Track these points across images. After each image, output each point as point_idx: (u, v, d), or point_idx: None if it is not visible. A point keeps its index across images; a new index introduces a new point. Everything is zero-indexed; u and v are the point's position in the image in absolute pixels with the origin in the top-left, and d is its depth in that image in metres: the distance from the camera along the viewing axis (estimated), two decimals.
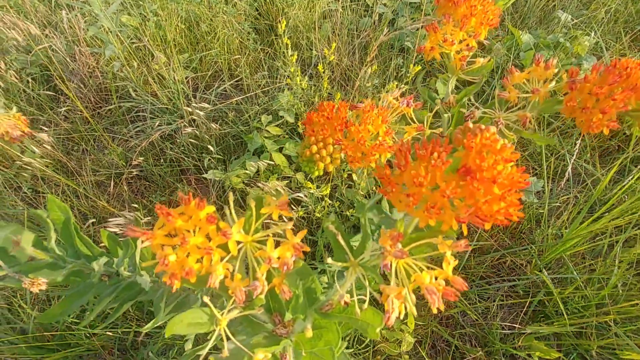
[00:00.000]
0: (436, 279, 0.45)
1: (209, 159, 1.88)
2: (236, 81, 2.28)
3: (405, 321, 1.44)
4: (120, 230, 1.34)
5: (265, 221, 0.51)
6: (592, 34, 2.25)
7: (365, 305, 0.47)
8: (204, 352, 0.48)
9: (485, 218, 0.40)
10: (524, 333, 1.51)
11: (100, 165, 1.95)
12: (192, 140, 1.88)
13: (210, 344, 0.47)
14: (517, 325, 1.50)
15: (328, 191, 1.51)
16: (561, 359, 1.46)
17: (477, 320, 1.57)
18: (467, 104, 0.58)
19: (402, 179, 0.41)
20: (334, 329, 0.53)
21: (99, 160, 1.97)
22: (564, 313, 1.44)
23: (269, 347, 0.49)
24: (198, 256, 0.41)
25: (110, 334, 1.48)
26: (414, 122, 0.54)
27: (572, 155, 1.82)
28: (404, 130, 0.54)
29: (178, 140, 1.96)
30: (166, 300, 0.89)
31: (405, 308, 0.45)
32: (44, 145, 1.68)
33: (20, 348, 1.46)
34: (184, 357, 0.69)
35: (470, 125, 0.43)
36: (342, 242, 0.49)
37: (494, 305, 1.60)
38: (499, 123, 0.55)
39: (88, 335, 1.46)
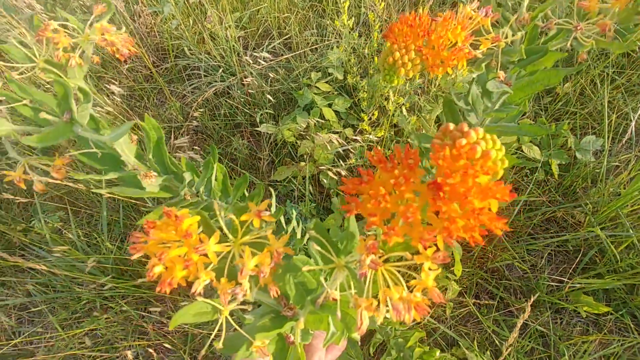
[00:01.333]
0: (412, 290, 0.43)
1: (262, 114, 1.95)
2: (285, 39, 2.31)
3: (452, 269, 1.49)
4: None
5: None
6: None
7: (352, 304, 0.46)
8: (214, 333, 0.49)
9: (452, 237, 0.37)
10: (572, 289, 1.52)
11: (161, 119, 2.08)
12: (248, 95, 1.96)
13: (216, 329, 0.48)
14: (565, 279, 1.51)
15: (383, 133, 1.54)
16: (610, 314, 1.46)
17: (524, 274, 1.59)
18: (543, 19, 0.58)
19: (368, 192, 0.39)
20: (325, 321, 0.54)
21: (159, 115, 2.10)
22: (617, 262, 1.42)
23: (272, 330, 0.51)
24: (183, 265, 0.43)
25: None
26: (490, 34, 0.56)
27: (636, 113, 1.73)
28: (480, 41, 0.56)
29: (232, 96, 2.04)
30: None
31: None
32: (115, 97, 1.81)
33: (99, 277, 1.65)
34: None
35: (451, 127, 0.40)
36: (319, 251, 0.48)
37: (542, 261, 1.60)
38: (578, 27, 0.55)
39: None
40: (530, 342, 1.44)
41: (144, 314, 1.62)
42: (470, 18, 0.55)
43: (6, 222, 1.86)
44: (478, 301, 1.57)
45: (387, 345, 1.22)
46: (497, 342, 1.44)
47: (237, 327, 0.50)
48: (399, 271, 0.45)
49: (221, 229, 0.48)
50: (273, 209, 1.14)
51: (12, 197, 1.42)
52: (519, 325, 1.21)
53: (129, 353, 1.24)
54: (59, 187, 1.82)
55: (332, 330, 0.52)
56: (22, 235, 1.82)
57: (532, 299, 1.08)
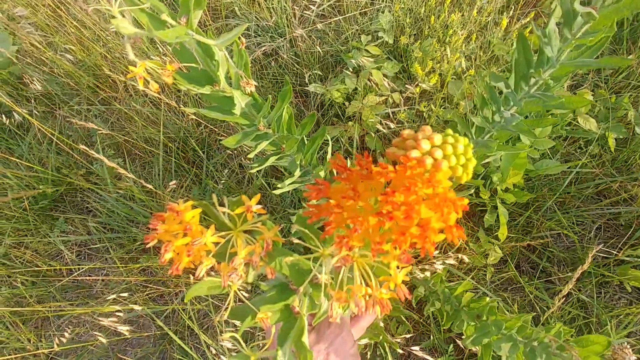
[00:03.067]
0: (381, 285, 0.46)
1: (310, 74, 1.97)
2: (336, 1, 2.29)
3: (495, 234, 1.49)
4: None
5: None
6: None
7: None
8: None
9: (401, 248, 0.38)
10: (619, 263, 1.49)
11: None
12: (297, 55, 1.97)
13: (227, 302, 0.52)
14: (614, 252, 1.48)
15: (436, 79, 1.54)
16: None
17: (571, 244, 1.57)
18: None
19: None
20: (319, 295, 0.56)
21: None
22: None
23: (279, 302, 0.54)
24: (187, 253, 0.47)
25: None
26: None
27: None
28: None
29: (280, 56, 2.07)
30: (300, 164, 1.02)
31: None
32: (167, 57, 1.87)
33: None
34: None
35: (405, 134, 0.41)
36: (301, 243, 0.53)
37: (589, 233, 1.58)
38: None
39: None
40: (572, 310, 1.44)
41: None
42: None
43: (69, 167, 1.99)
44: (523, 251, 1.57)
45: (430, 298, 1.25)
46: (537, 308, 1.45)
47: (244, 300, 0.55)
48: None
49: (228, 217, 0.53)
50: (329, 156, 1.17)
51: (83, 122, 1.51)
52: (565, 291, 1.21)
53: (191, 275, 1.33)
54: (118, 133, 1.93)
55: (324, 308, 0.56)
56: (83, 179, 1.95)
57: (590, 256, 1.07)
